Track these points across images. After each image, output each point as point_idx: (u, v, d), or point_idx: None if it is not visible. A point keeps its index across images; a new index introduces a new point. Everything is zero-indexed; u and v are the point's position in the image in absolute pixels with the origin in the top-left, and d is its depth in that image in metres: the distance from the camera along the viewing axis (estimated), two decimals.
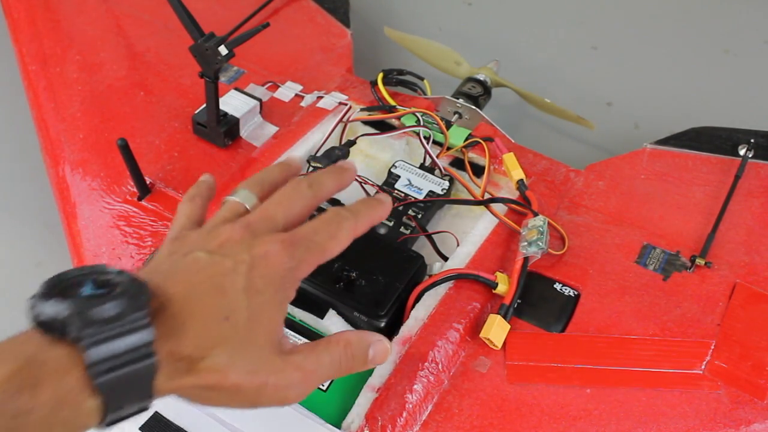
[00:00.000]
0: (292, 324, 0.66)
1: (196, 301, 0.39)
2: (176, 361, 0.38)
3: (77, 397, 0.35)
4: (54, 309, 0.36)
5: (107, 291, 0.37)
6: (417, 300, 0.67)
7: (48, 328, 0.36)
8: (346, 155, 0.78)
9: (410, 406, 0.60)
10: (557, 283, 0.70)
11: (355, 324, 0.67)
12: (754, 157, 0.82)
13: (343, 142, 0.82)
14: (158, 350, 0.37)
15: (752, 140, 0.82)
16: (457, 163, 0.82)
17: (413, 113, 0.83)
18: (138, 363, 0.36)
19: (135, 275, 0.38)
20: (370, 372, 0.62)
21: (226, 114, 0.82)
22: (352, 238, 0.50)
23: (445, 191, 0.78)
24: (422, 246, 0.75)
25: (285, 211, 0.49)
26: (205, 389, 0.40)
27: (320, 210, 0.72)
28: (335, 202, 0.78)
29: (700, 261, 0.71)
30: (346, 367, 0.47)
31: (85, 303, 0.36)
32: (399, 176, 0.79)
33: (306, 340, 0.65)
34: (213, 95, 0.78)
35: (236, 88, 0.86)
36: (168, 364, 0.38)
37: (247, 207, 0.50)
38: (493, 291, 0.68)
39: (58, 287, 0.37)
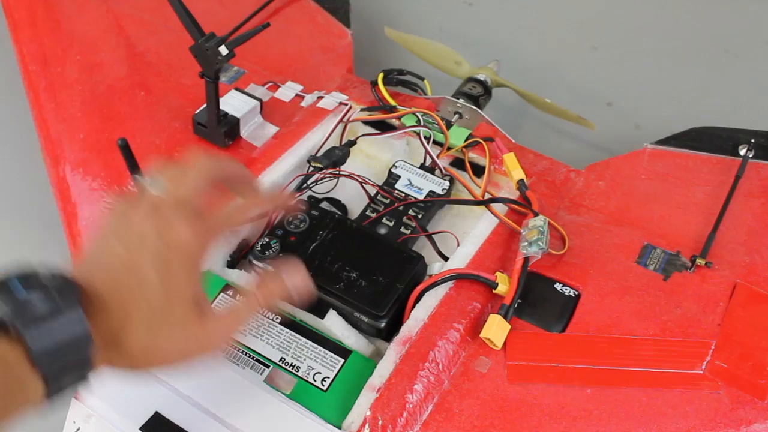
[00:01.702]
0: (292, 324, 0.66)
1: (118, 293, 0.47)
2: (107, 344, 0.46)
3: (25, 384, 0.43)
4: None
5: (42, 293, 0.43)
6: (417, 300, 0.67)
7: None
8: (346, 155, 0.78)
9: (410, 406, 0.60)
10: (557, 283, 0.70)
11: (355, 324, 0.67)
12: (754, 157, 0.81)
13: (343, 142, 0.82)
14: (93, 338, 0.44)
15: (753, 140, 0.82)
16: (458, 163, 0.82)
17: (413, 113, 0.83)
18: (78, 353, 0.44)
19: (65, 275, 0.46)
20: (370, 372, 0.62)
21: (226, 114, 0.82)
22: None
23: (445, 191, 0.78)
24: (422, 246, 0.75)
25: (190, 190, 0.51)
26: (134, 359, 0.48)
27: (321, 209, 0.73)
28: (336, 202, 0.78)
29: (700, 261, 0.71)
30: (265, 301, 0.53)
31: (24, 304, 0.43)
32: (399, 176, 0.79)
33: (306, 340, 0.66)
34: (213, 95, 0.78)
35: (236, 88, 0.86)
36: (101, 348, 0.45)
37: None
38: (494, 291, 0.68)
39: None
